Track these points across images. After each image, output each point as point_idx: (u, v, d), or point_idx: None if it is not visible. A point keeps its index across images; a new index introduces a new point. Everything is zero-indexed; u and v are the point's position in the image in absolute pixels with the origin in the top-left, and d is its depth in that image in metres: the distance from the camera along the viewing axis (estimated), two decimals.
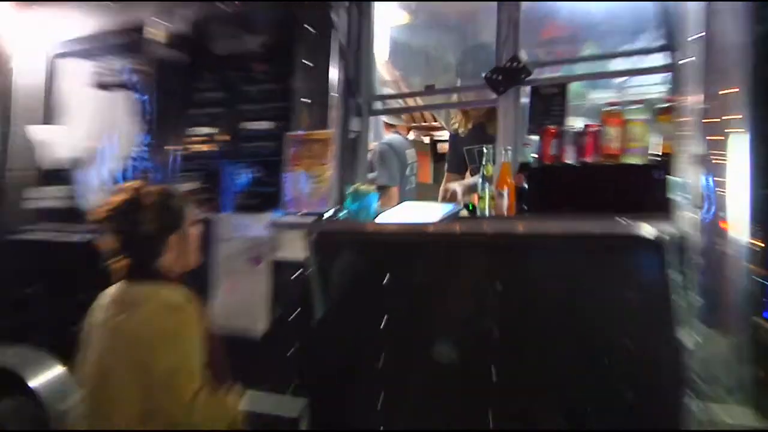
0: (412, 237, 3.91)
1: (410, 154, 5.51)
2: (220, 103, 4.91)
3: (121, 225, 3.04)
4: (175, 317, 2.92)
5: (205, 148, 4.91)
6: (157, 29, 5.25)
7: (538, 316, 3.53)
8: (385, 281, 3.97)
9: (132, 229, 3.03)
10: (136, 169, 5.21)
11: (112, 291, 3.12)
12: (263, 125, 4.70)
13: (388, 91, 5.52)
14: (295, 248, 4.20)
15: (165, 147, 5.10)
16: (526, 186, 3.71)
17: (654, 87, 4.26)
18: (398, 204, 4.46)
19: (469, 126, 5.02)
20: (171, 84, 5.16)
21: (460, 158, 5.13)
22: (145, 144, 5.20)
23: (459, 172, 5.20)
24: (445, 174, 5.38)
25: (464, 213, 3.93)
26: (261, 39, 4.77)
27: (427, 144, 7.76)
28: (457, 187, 4.70)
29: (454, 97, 4.88)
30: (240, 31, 4.86)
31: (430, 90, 4.81)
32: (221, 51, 4.92)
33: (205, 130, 4.94)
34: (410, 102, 6.01)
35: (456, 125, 5.16)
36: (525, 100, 4.00)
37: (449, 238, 3.79)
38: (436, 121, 7.29)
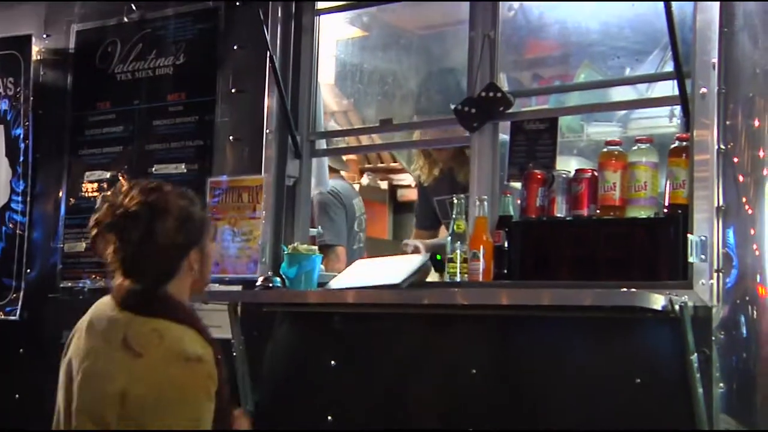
0: (367, 308, 3.90)
1: (358, 204, 5.52)
2: (121, 140, 4.90)
3: (130, 234, 2.92)
4: (188, 370, 2.80)
5: (101, 197, 4.85)
6: (40, 44, 5.26)
7: (524, 409, 3.54)
8: (331, 365, 3.99)
9: (145, 240, 2.94)
10: (8, 222, 5.18)
11: (103, 314, 2.98)
12: (177, 168, 4.70)
13: (333, 125, 5.55)
14: (216, 324, 4.19)
15: (47, 196, 5.09)
16: (506, 245, 3.74)
17: (664, 120, 4.33)
18: (346, 267, 4.46)
19: (435, 173, 5.03)
20: (56, 115, 5.14)
21: (431, 211, 5.13)
22: (19, 191, 5.20)
23: (429, 228, 5.20)
24: (413, 230, 5.40)
25: (432, 275, 3.95)
26: (175, 59, 4.79)
27: (384, 190, 7.75)
28: (417, 243, 4.69)
29: (416, 134, 4.92)
30: (149, 48, 4.88)
31: (386, 125, 4.81)
32: (124, 74, 4.94)
33: (102, 174, 4.93)
34: (363, 139, 6.03)
35: (418, 173, 5.19)
36: (504, 137, 4.03)
37: (413, 310, 3.79)
38: (395, 161, 7.29)
